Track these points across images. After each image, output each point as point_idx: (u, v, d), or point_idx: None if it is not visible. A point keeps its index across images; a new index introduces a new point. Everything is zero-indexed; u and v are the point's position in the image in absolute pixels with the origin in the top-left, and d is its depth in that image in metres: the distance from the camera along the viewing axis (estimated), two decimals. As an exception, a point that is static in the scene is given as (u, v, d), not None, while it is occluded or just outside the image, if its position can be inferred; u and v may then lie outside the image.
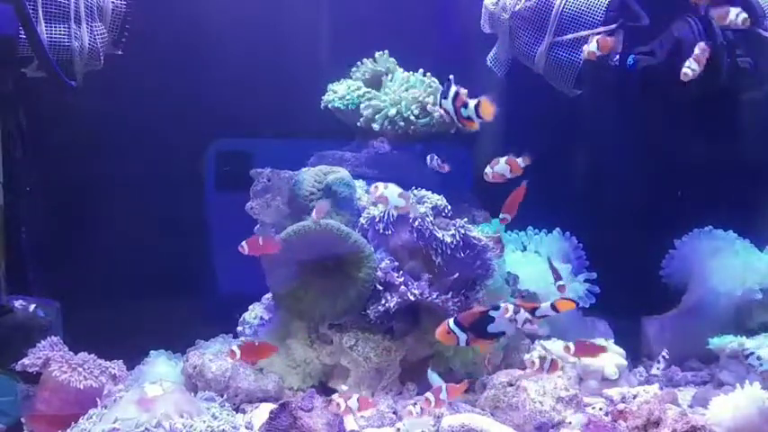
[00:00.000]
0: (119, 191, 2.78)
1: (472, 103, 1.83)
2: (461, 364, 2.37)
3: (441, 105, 1.89)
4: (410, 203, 2.16)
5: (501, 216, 2.22)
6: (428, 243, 2.30)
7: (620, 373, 2.38)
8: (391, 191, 2.11)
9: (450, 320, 1.86)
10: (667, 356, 2.51)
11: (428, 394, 1.93)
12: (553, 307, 1.93)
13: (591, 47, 2.38)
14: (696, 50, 2.26)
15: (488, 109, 1.83)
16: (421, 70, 2.71)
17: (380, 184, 2.13)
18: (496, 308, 1.88)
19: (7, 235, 2.41)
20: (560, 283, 2.34)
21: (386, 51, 2.77)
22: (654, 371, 2.50)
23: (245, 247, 2.17)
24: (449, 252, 2.29)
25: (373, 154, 2.69)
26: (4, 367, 2.17)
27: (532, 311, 1.91)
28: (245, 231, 2.52)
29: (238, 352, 2.05)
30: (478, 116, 1.83)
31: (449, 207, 2.39)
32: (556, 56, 2.57)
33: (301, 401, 1.97)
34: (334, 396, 1.96)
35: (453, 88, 1.86)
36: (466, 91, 1.86)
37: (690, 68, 2.23)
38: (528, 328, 2.10)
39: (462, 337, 1.84)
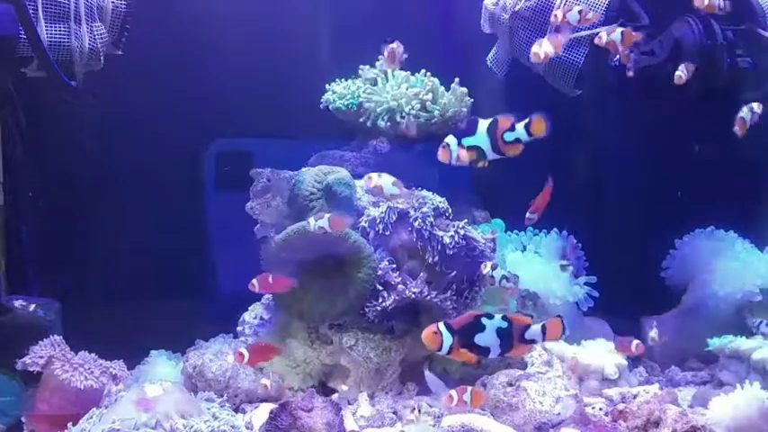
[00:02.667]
0: (119, 191, 2.78)
1: (521, 125, 1.84)
2: (457, 366, 2.37)
3: (460, 147, 1.88)
4: (403, 190, 2.18)
5: (528, 216, 2.31)
6: (427, 244, 2.30)
7: (620, 373, 2.38)
8: (385, 180, 2.14)
9: (440, 322, 1.80)
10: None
11: (452, 392, 1.92)
12: (543, 331, 1.83)
13: (613, 36, 2.33)
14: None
15: (541, 126, 1.84)
16: (423, 70, 2.71)
17: (374, 175, 2.17)
18: (490, 316, 1.82)
19: (7, 235, 2.41)
20: (563, 263, 2.37)
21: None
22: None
23: (255, 285, 2.17)
24: (448, 253, 2.29)
25: (373, 154, 2.69)
26: (3, 367, 2.17)
27: (524, 330, 1.84)
28: (245, 231, 2.52)
29: (246, 354, 2.06)
30: (529, 135, 1.85)
31: (450, 210, 2.39)
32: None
33: (301, 401, 1.97)
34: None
35: (485, 121, 1.87)
36: (510, 117, 1.86)
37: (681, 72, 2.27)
38: (505, 285, 2.15)
39: (448, 340, 1.77)
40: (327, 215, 2.21)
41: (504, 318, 1.82)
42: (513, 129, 1.86)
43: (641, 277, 2.82)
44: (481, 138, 1.88)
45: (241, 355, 2.06)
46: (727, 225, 2.77)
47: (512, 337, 1.82)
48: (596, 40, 2.30)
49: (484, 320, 1.81)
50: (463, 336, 1.79)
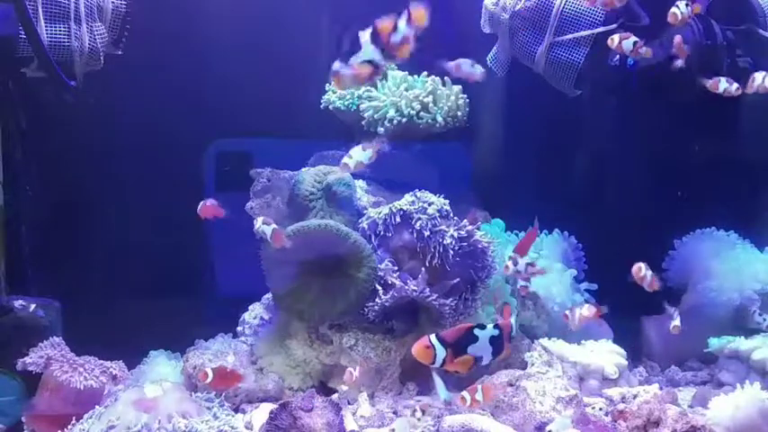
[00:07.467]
0: (119, 191, 2.78)
1: (402, 22, 1.75)
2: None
3: (350, 68, 1.79)
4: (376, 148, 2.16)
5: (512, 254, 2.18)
6: (427, 245, 2.30)
7: (620, 373, 2.38)
8: (356, 153, 2.12)
9: (432, 335, 1.76)
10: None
11: (464, 393, 1.90)
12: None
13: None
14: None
15: (421, 14, 1.75)
16: (425, 73, 2.70)
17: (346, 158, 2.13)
18: (482, 327, 1.81)
19: (7, 235, 2.41)
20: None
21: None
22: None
23: (209, 375, 2.08)
24: (449, 255, 2.29)
25: (373, 154, 2.68)
26: (4, 367, 2.17)
27: (510, 332, 1.86)
28: (245, 231, 2.52)
29: (211, 375, 2.05)
30: (413, 27, 1.76)
31: (451, 212, 2.39)
32: (556, 56, 2.57)
33: (301, 401, 1.97)
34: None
35: (365, 33, 1.78)
36: (391, 20, 1.76)
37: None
38: (531, 270, 2.11)
39: (441, 354, 1.73)
40: (273, 225, 2.21)
41: (496, 326, 1.82)
42: (396, 29, 1.76)
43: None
44: (368, 50, 1.78)
45: (205, 374, 2.05)
46: (727, 225, 2.77)
47: (503, 342, 1.83)
48: None
49: (476, 332, 1.80)
50: (456, 348, 1.76)
